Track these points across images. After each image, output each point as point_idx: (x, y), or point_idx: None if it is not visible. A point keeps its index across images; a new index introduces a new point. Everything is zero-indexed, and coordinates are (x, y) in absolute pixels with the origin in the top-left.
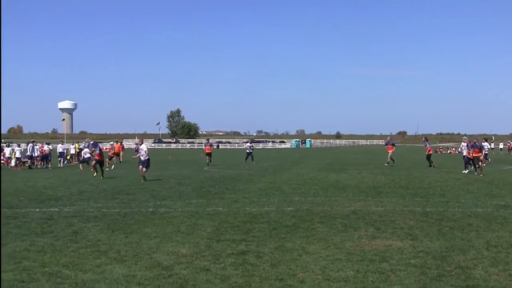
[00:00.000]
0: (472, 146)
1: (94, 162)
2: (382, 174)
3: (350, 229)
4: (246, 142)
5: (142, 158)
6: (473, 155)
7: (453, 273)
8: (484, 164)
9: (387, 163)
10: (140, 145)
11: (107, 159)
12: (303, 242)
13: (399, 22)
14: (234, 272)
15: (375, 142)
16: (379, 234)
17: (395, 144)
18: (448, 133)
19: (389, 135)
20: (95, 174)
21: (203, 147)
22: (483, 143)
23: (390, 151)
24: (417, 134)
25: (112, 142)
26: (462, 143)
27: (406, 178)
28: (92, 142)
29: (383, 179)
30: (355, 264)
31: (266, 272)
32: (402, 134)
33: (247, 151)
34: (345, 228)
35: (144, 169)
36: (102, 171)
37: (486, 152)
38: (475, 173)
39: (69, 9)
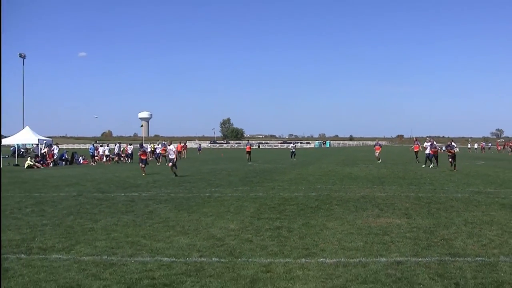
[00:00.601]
0: (447, 146)
1: (139, 161)
2: (385, 168)
3: (360, 210)
4: (285, 143)
5: (170, 156)
6: (448, 153)
7: (439, 244)
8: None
9: (379, 160)
10: (169, 145)
11: (157, 157)
12: (324, 220)
13: (400, 46)
14: (271, 243)
15: (380, 143)
16: (382, 214)
17: (382, 145)
18: (438, 136)
19: (377, 138)
20: (144, 174)
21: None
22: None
23: (378, 151)
24: (411, 136)
25: (164, 143)
26: (426, 143)
27: (403, 171)
28: (140, 144)
29: (385, 171)
30: (363, 237)
31: (295, 243)
32: (400, 136)
33: (291, 150)
34: (356, 209)
35: (169, 164)
36: (143, 169)
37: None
38: (437, 168)
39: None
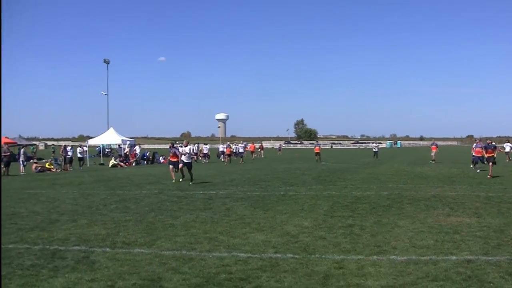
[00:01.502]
0: (485, 147)
1: (169, 163)
2: (455, 167)
3: (430, 208)
4: (357, 143)
5: (184, 159)
6: (487, 155)
7: (509, 243)
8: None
9: (433, 161)
10: (185, 146)
11: (241, 156)
12: (395, 218)
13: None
14: (343, 240)
15: (449, 143)
16: (453, 213)
17: (438, 145)
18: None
19: (433, 139)
20: (180, 179)
21: (314, 148)
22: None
23: (434, 150)
24: (481, 137)
25: (228, 144)
26: (474, 144)
27: (473, 171)
28: (171, 144)
29: (455, 171)
30: (434, 235)
31: (367, 240)
32: (470, 137)
33: (374, 150)
34: (427, 208)
35: (180, 165)
36: (188, 174)
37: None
38: (478, 171)
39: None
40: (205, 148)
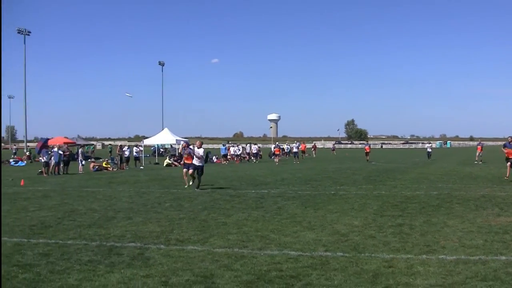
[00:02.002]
0: (504, 146)
1: (183, 166)
2: (504, 167)
3: (480, 208)
4: (406, 143)
5: (196, 162)
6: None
7: None
8: None
9: (480, 161)
10: (198, 148)
11: (295, 156)
12: (444, 218)
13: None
14: (393, 239)
15: (499, 143)
16: (503, 213)
17: (483, 146)
18: None
19: (479, 139)
20: (190, 183)
21: (364, 147)
22: None
23: (479, 151)
24: None
25: (277, 144)
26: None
27: None
28: (184, 143)
29: (505, 171)
30: (483, 235)
31: (417, 239)
32: None
33: (428, 150)
34: (476, 208)
35: (190, 170)
36: (195, 179)
37: None
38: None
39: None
40: (254, 148)
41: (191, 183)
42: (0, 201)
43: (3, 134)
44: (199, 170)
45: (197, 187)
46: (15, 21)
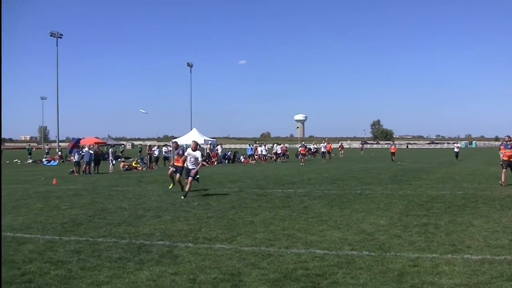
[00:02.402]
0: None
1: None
2: None
3: (505, 208)
4: (432, 143)
5: (189, 166)
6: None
7: None
8: None
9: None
10: (193, 150)
11: (323, 155)
12: (470, 217)
13: None
14: (418, 238)
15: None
16: None
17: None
18: None
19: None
20: (179, 189)
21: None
22: None
23: (503, 151)
24: None
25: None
26: None
27: None
28: (173, 144)
29: None
30: (509, 235)
31: (442, 239)
32: None
33: (455, 150)
34: (501, 207)
35: (178, 175)
36: (180, 183)
37: None
38: None
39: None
40: (279, 148)
41: (182, 193)
42: (0, 200)
43: (36, 134)
44: (192, 175)
45: (185, 196)
46: (47, 24)
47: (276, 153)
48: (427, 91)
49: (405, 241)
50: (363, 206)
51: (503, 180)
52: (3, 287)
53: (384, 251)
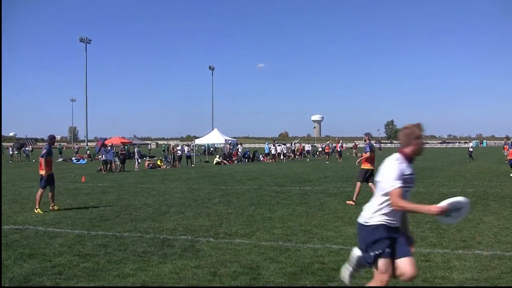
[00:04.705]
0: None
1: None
2: None
3: None
4: (443, 143)
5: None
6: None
7: None
8: None
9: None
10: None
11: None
12: (480, 214)
13: None
14: (430, 234)
15: (509, 142)
16: None
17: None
18: None
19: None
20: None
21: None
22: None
23: (506, 150)
24: None
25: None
26: None
27: None
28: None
29: None
30: None
31: (453, 235)
32: None
33: (470, 149)
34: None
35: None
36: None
37: None
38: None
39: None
40: (284, 148)
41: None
42: (1, 198)
43: (66, 134)
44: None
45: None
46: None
47: (294, 152)
48: (440, 91)
49: (417, 237)
50: None
51: None
52: (36, 279)
53: None
